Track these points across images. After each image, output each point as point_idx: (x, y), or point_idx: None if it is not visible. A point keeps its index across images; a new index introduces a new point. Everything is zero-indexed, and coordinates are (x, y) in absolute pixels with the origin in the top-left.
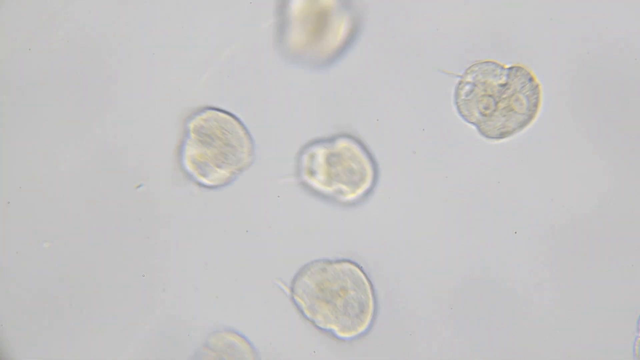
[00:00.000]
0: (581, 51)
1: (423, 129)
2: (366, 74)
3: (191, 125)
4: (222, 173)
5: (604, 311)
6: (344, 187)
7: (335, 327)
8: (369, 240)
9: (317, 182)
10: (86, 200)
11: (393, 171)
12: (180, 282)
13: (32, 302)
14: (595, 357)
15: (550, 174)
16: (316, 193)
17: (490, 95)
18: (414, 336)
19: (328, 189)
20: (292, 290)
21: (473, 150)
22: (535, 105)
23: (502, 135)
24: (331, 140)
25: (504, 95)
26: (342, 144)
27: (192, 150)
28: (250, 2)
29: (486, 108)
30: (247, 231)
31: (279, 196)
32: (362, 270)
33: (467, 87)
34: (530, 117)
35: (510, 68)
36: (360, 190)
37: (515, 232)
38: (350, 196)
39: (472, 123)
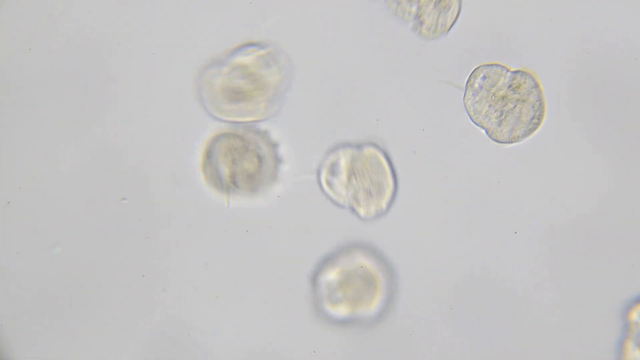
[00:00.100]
0: (581, 51)
1: (423, 129)
2: (366, 73)
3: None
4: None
5: (604, 311)
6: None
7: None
8: (369, 240)
9: (335, 186)
10: (86, 200)
11: (394, 171)
12: (180, 282)
13: (32, 302)
14: (595, 356)
15: (550, 174)
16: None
17: (499, 99)
18: (414, 336)
19: (344, 194)
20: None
21: (473, 150)
22: (542, 112)
23: (511, 140)
24: (358, 147)
25: (512, 99)
26: (368, 152)
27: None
28: (250, 2)
29: (496, 111)
30: (247, 231)
31: (278, 196)
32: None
33: (475, 89)
34: (536, 125)
35: (516, 72)
36: (376, 204)
37: (515, 232)
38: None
39: (482, 127)
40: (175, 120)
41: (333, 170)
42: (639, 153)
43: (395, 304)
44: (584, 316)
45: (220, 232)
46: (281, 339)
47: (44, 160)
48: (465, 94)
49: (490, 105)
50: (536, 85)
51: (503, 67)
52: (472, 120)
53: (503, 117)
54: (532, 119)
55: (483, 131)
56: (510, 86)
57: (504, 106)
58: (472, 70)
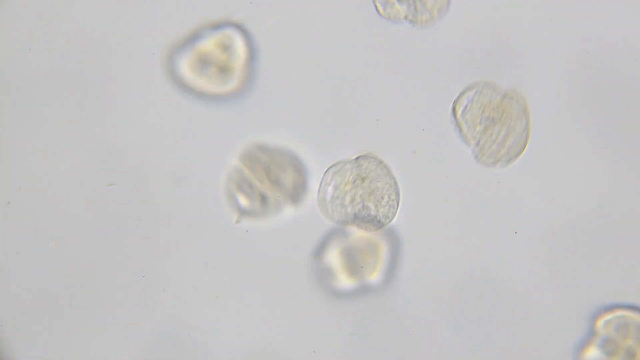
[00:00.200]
0: (581, 51)
1: (423, 129)
2: (366, 73)
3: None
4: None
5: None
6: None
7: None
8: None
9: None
10: (86, 200)
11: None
12: (180, 282)
13: (32, 302)
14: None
15: (550, 174)
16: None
17: (487, 117)
18: (414, 336)
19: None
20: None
21: (472, 150)
22: (528, 133)
23: (497, 161)
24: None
25: (500, 116)
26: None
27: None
28: (250, 2)
29: (485, 127)
30: (247, 231)
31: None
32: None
33: (464, 106)
34: (523, 145)
35: (504, 95)
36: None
37: (515, 232)
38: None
39: (470, 146)
40: (175, 120)
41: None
42: (639, 153)
43: (395, 303)
44: (584, 316)
45: (220, 232)
46: (281, 339)
47: (44, 160)
48: (453, 111)
49: (477, 126)
50: (524, 107)
51: (494, 89)
52: (460, 135)
53: (487, 136)
54: (519, 142)
55: (469, 149)
56: (497, 107)
57: (490, 125)
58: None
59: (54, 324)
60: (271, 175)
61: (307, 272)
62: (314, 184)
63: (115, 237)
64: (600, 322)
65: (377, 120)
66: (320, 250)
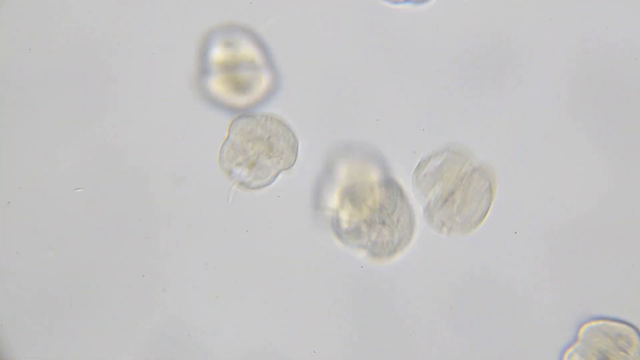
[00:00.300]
0: (581, 51)
1: (423, 129)
2: (366, 73)
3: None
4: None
5: (603, 311)
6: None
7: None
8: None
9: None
10: (86, 200)
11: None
12: (180, 282)
13: (32, 302)
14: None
15: (550, 174)
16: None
17: (447, 184)
18: (414, 336)
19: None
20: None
21: (473, 150)
22: (488, 206)
23: (441, 228)
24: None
25: (461, 187)
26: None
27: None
28: (250, 2)
29: (443, 194)
30: (247, 231)
31: (278, 196)
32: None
33: (429, 170)
34: (480, 218)
35: (475, 169)
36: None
37: (515, 232)
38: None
39: (423, 205)
40: (175, 120)
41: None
42: (639, 153)
43: (395, 303)
44: (584, 317)
45: (220, 232)
46: (281, 339)
47: (44, 160)
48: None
49: (436, 189)
50: (489, 190)
51: (467, 159)
52: (416, 197)
53: (443, 202)
54: (474, 217)
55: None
56: (461, 179)
57: (447, 193)
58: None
59: (54, 324)
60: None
61: (307, 272)
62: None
63: (115, 237)
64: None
65: (377, 120)
66: (318, 202)
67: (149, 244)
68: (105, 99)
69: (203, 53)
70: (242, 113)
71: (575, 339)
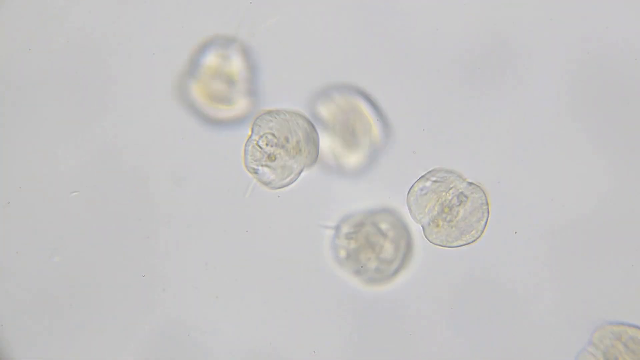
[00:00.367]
0: (581, 51)
1: (423, 129)
2: (366, 73)
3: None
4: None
5: (603, 311)
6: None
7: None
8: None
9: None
10: (86, 200)
11: (394, 170)
12: (180, 282)
13: (32, 302)
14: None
15: (550, 174)
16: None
17: (443, 204)
18: (414, 336)
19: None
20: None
21: (473, 150)
22: (483, 227)
23: (445, 244)
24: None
25: (456, 208)
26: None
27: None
28: (250, 2)
29: (440, 215)
30: (247, 231)
31: (278, 196)
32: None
33: (427, 185)
34: (474, 238)
35: (470, 183)
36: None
37: (515, 232)
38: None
39: (419, 222)
40: (175, 120)
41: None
42: (639, 153)
43: (395, 304)
44: (584, 316)
45: (220, 232)
46: (281, 339)
47: (44, 160)
48: (412, 189)
49: (433, 208)
50: (485, 203)
51: (459, 176)
52: (410, 213)
53: (439, 220)
54: (469, 234)
55: (420, 227)
56: (458, 197)
57: (442, 213)
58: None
59: (54, 324)
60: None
61: (307, 272)
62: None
63: (115, 237)
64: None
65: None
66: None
67: (149, 244)
68: (105, 99)
69: (196, 57)
70: (264, 111)
71: (590, 343)
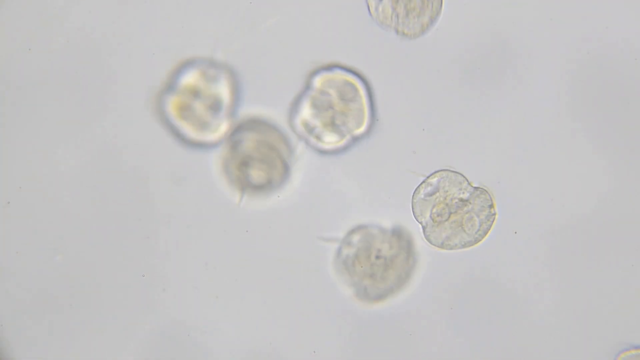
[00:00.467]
0: (581, 51)
1: (423, 129)
2: (366, 73)
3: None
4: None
5: (603, 311)
6: None
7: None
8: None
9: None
10: (86, 200)
11: (394, 170)
12: (180, 282)
13: (32, 302)
14: (595, 357)
15: (550, 174)
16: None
17: (447, 205)
18: (414, 336)
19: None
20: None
21: (472, 150)
22: (485, 232)
23: (442, 246)
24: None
25: (460, 211)
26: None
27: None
28: (250, 2)
29: (439, 215)
30: (247, 231)
31: (278, 196)
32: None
33: (430, 189)
34: (475, 241)
35: (476, 188)
36: None
37: (515, 232)
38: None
39: (420, 222)
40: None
41: None
42: (639, 153)
43: (395, 303)
44: (584, 316)
45: (220, 232)
46: (281, 339)
47: (44, 160)
48: (418, 189)
49: (434, 208)
50: (491, 206)
51: (465, 179)
52: (413, 214)
53: (443, 222)
54: (476, 233)
55: (420, 227)
56: (462, 200)
57: (446, 213)
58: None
59: (54, 324)
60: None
61: (307, 272)
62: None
63: (115, 237)
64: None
65: (377, 120)
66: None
67: (149, 244)
68: (105, 99)
69: (176, 73)
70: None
71: None
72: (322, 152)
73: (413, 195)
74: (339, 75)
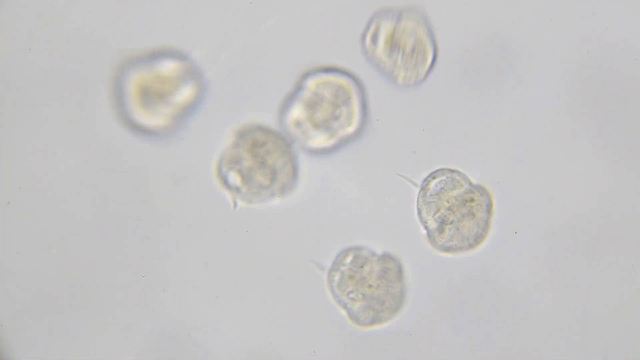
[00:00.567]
0: (581, 51)
1: (423, 129)
2: (365, 74)
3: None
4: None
5: (603, 311)
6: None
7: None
8: (370, 238)
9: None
10: (86, 200)
11: (393, 170)
12: (180, 282)
13: (32, 302)
14: (595, 357)
15: (550, 174)
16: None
17: (450, 208)
18: (414, 336)
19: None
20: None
21: (472, 150)
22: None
23: (446, 250)
24: None
25: (463, 210)
26: None
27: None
28: (250, 2)
29: (444, 222)
30: (247, 231)
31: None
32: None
33: (438, 184)
34: (475, 244)
35: (477, 185)
36: None
37: (515, 232)
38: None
39: (425, 228)
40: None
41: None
42: (639, 153)
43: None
44: (584, 316)
45: (220, 232)
46: (281, 339)
47: (44, 160)
48: (420, 192)
49: (436, 210)
50: (490, 204)
51: (465, 176)
52: (418, 216)
53: (445, 224)
54: (475, 235)
55: (424, 231)
56: (463, 199)
57: (449, 215)
58: (434, 170)
59: (54, 324)
60: (259, 155)
61: (307, 272)
62: (302, 181)
63: (115, 237)
64: None
65: (377, 120)
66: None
67: (149, 244)
68: (105, 99)
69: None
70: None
71: None
72: (322, 152)
73: (419, 195)
74: (334, 78)
